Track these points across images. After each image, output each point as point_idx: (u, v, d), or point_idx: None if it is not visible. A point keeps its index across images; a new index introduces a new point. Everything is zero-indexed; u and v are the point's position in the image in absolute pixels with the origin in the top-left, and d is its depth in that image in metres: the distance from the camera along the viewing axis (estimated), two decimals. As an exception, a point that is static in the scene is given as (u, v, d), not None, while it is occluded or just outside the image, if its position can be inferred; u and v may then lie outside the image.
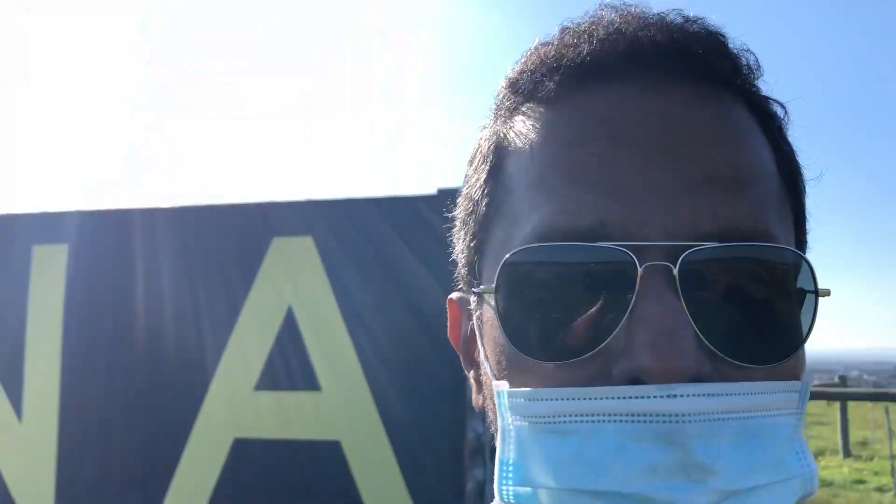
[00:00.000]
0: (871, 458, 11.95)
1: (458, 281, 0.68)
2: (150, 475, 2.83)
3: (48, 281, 3.02)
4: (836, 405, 13.27)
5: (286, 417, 2.73)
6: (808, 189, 0.62)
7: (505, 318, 0.54)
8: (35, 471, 2.94)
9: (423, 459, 2.64)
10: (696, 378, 0.48)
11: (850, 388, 15.10)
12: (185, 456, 2.79)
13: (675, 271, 0.49)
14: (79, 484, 2.91)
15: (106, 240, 3.00)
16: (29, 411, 2.99)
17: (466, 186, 0.64)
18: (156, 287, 2.92)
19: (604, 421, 0.49)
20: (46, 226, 3.07)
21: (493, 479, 0.68)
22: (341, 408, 2.71)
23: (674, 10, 0.58)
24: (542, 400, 0.52)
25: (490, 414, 0.60)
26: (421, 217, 2.70)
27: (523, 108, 0.60)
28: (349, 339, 2.73)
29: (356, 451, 2.68)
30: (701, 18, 0.58)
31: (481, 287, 0.59)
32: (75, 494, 2.91)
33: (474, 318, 0.63)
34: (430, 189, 2.82)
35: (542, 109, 0.58)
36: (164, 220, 2.97)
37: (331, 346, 2.74)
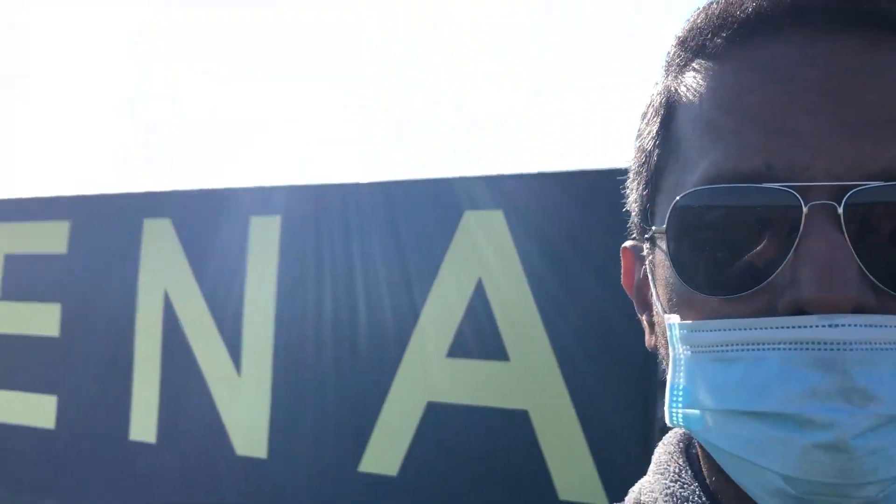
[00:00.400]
0: None
1: (631, 230, 0.71)
2: (350, 432, 3.04)
3: (263, 249, 3.31)
4: None
5: (476, 385, 2.82)
6: None
7: (675, 257, 0.57)
8: (251, 421, 3.25)
9: (610, 435, 2.63)
10: (860, 310, 0.49)
11: None
12: (382, 415, 2.97)
13: (840, 210, 0.50)
14: (288, 436, 3.19)
15: (313, 211, 3.23)
16: (247, 368, 3.30)
17: (639, 140, 0.67)
18: (357, 256, 3.11)
19: (767, 349, 0.51)
20: (261, 198, 3.35)
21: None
22: (529, 379, 2.75)
23: None
24: (710, 331, 0.55)
25: (661, 350, 0.64)
26: (610, 191, 2.66)
27: (693, 64, 0.62)
28: (537, 311, 2.76)
29: (544, 422, 2.72)
30: None
31: (653, 229, 0.62)
32: (284, 444, 3.19)
33: (647, 262, 0.66)
34: (619, 163, 2.78)
35: (710, 64, 0.60)
36: (364, 193, 3.15)
37: (519, 317, 2.79)
